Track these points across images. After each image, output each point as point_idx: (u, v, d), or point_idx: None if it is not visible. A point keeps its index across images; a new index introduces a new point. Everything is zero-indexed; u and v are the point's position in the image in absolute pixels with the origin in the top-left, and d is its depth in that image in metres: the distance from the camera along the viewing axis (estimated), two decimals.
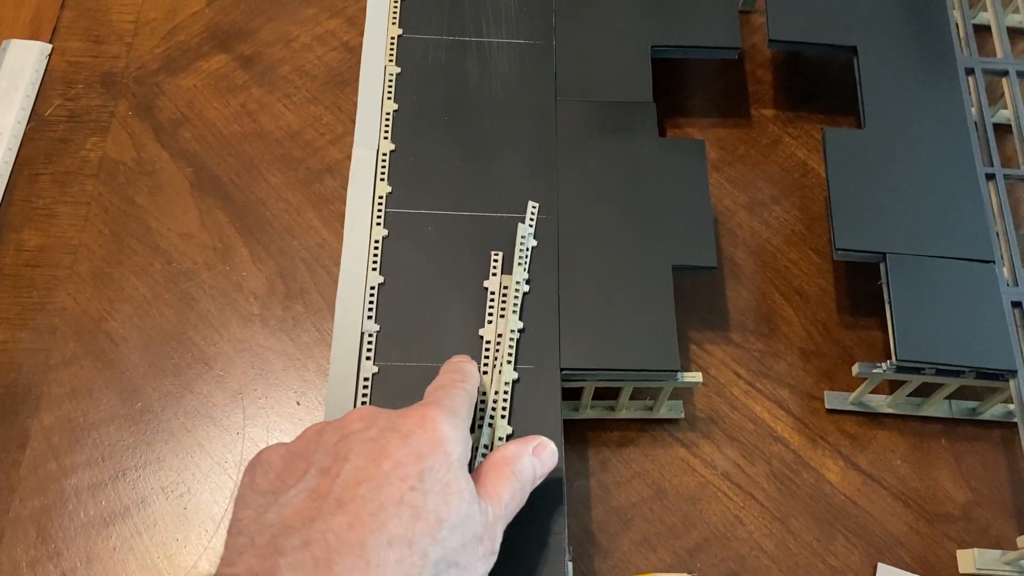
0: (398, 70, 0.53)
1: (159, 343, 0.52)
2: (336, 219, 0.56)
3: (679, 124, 0.60)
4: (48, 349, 0.52)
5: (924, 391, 0.50)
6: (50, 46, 0.61)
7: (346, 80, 0.61)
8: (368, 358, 0.45)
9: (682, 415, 0.51)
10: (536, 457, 0.40)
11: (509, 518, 0.38)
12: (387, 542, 0.32)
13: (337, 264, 0.54)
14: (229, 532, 0.34)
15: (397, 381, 0.45)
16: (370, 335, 0.46)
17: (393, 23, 0.54)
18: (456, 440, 0.36)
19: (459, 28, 0.54)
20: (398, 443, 0.35)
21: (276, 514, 0.33)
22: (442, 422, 0.36)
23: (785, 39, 0.56)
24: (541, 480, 0.40)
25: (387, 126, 0.51)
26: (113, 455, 0.50)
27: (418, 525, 0.33)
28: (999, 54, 0.57)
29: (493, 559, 0.36)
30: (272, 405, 0.51)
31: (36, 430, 0.50)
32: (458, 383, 0.40)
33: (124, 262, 0.55)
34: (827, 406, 0.52)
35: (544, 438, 0.41)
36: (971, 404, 0.52)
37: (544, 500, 0.42)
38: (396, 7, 0.55)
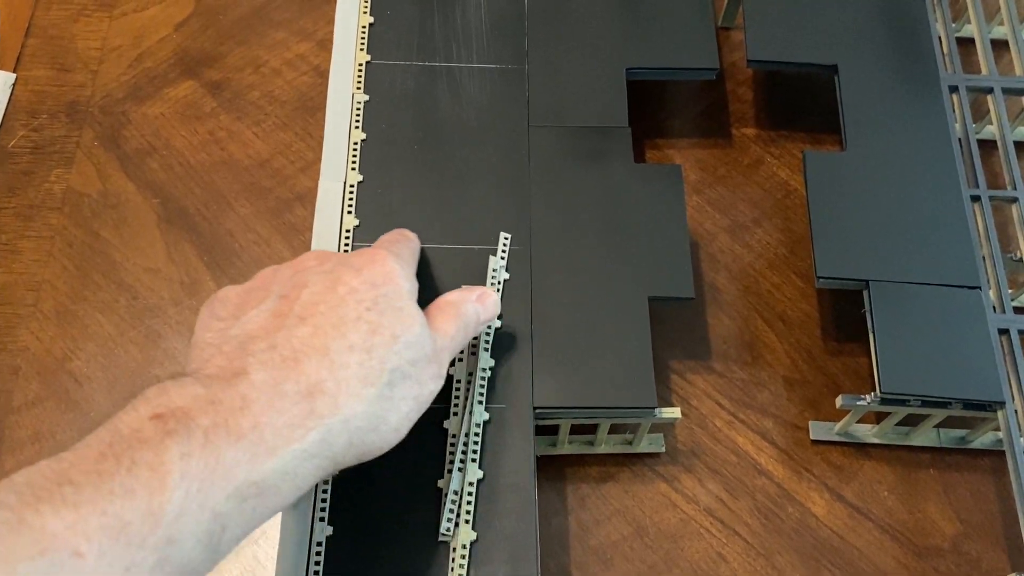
0: (366, 98, 0.51)
1: (124, 383, 0.51)
2: (306, 249, 0.54)
3: (658, 145, 0.59)
4: (10, 391, 0.51)
5: (911, 420, 0.49)
6: (14, 75, 0.60)
7: (317, 105, 0.59)
8: None
9: (663, 449, 0.50)
10: (480, 304, 0.42)
11: (454, 352, 0.40)
12: (348, 347, 0.35)
13: None
14: (193, 350, 0.36)
15: None
16: None
17: (361, 49, 0.53)
18: (405, 276, 0.39)
19: (429, 53, 0.53)
20: (352, 274, 0.37)
21: (240, 329, 0.35)
22: (391, 260, 0.38)
23: (764, 59, 0.54)
24: (484, 326, 0.43)
25: (355, 157, 0.50)
26: None
27: (375, 338, 0.36)
28: (983, 69, 0.56)
29: (441, 382, 0.38)
30: None
31: None
32: (401, 239, 0.43)
33: (89, 298, 0.53)
34: (812, 437, 0.51)
35: (487, 288, 0.43)
36: (960, 432, 0.51)
37: (516, 543, 0.41)
38: (364, 32, 0.53)
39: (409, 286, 0.39)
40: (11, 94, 0.59)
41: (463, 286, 0.44)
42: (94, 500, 0.28)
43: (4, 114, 0.59)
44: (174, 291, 0.54)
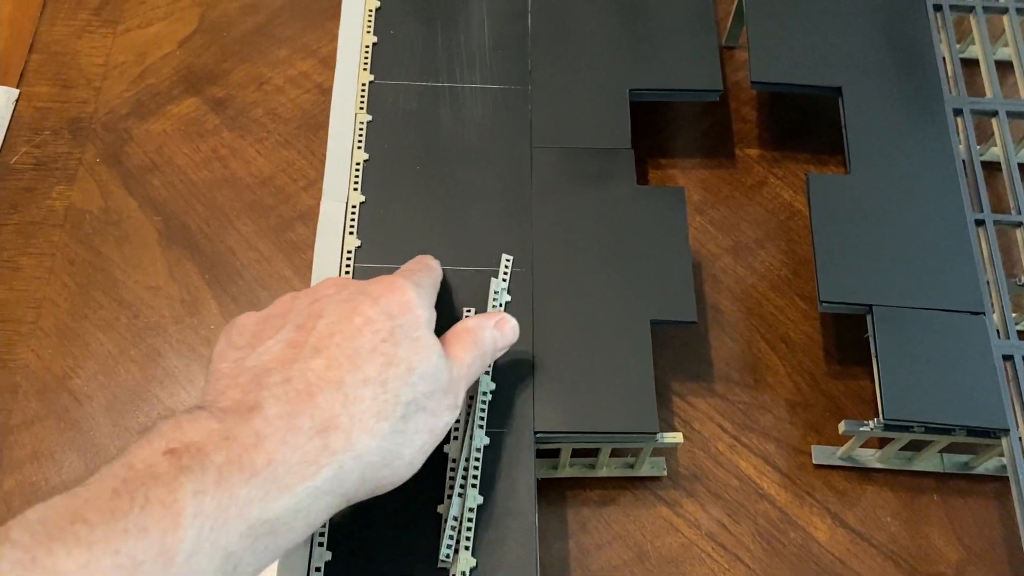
0: (369, 118, 0.51)
1: (124, 402, 0.51)
2: (308, 268, 0.54)
3: (661, 166, 0.59)
4: (9, 409, 0.50)
5: (915, 445, 0.49)
6: (17, 91, 0.60)
7: (320, 123, 0.59)
8: None
9: (665, 472, 0.50)
10: (498, 330, 0.41)
11: (471, 380, 0.40)
12: (362, 381, 0.35)
13: None
14: (209, 380, 0.36)
15: None
16: None
17: (364, 69, 0.53)
18: (423, 305, 0.38)
19: (432, 73, 0.53)
20: (369, 304, 0.37)
21: (256, 360, 0.35)
22: (410, 289, 0.38)
23: (767, 80, 0.54)
24: (502, 352, 0.42)
25: (357, 177, 0.50)
26: None
27: (390, 371, 0.35)
28: (988, 91, 0.56)
29: (456, 412, 0.38)
30: None
31: None
32: (423, 267, 0.44)
33: (89, 316, 0.53)
34: (815, 461, 0.50)
35: (506, 314, 0.43)
36: (964, 458, 0.50)
37: (517, 570, 0.40)
38: (367, 52, 0.53)
39: (427, 315, 0.38)
40: (14, 110, 0.59)
41: (482, 313, 0.44)
42: (107, 539, 0.28)
43: (7, 130, 0.59)
44: (175, 309, 0.53)
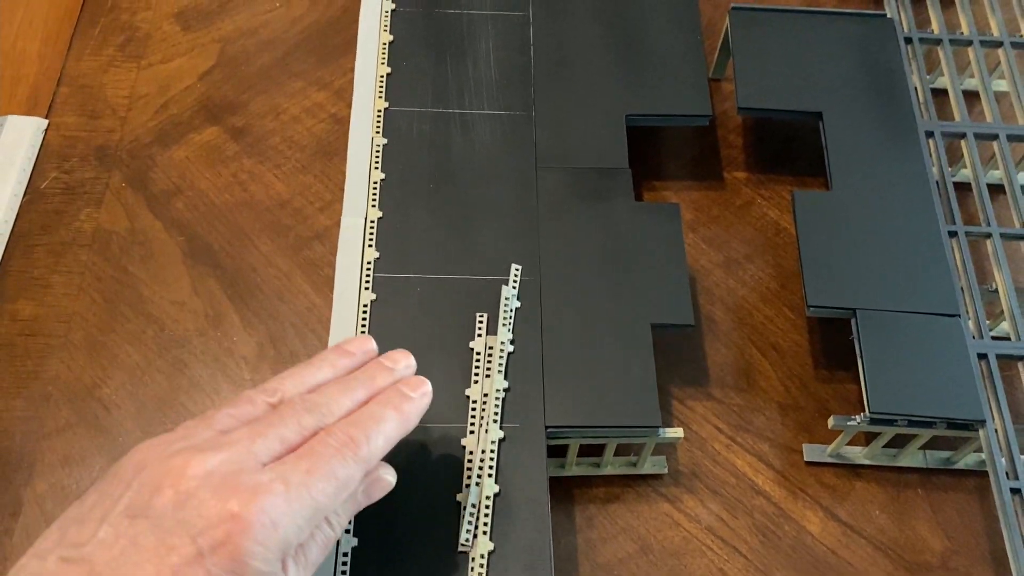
0: (385, 141, 0.55)
1: (152, 409, 0.53)
2: (325, 284, 0.58)
3: (655, 187, 0.63)
4: (42, 417, 0.53)
5: (899, 442, 0.52)
6: (46, 121, 0.63)
7: (334, 150, 0.63)
8: None
9: (665, 470, 0.52)
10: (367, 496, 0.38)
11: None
12: None
13: (326, 328, 0.56)
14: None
15: None
16: None
17: (379, 96, 0.57)
18: (275, 545, 0.31)
19: (443, 100, 0.57)
20: (185, 552, 0.30)
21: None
22: (255, 530, 0.30)
23: (753, 107, 0.58)
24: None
25: (375, 194, 0.53)
26: None
27: None
28: (956, 116, 0.60)
29: None
30: None
31: (29, 498, 0.51)
32: (390, 411, 0.37)
33: (117, 330, 0.56)
34: (806, 458, 0.53)
35: (385, 469, 0.39)
36: (945, 454, 0.53)
37: (532, 553, 0.43)
38: (382, 81, 0.57)
39: (275, 558, 0.32)
40: (43, 139, 0.63)
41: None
42: None
43: (37, 157, 0.62)
44: (199, 323, 0.56)
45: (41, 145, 0.62)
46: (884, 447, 0.52)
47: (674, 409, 0.55)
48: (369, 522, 0.43)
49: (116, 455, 0.52)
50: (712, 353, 0.57)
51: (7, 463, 0.51)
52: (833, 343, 0.57)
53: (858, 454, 0.53)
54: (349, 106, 0.61)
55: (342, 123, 0.64)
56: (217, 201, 0.61)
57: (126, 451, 0.52)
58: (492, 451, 0.45)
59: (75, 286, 0.57)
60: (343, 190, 0.54)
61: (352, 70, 0.59)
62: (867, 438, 0.53)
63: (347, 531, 0.43)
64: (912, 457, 0.53)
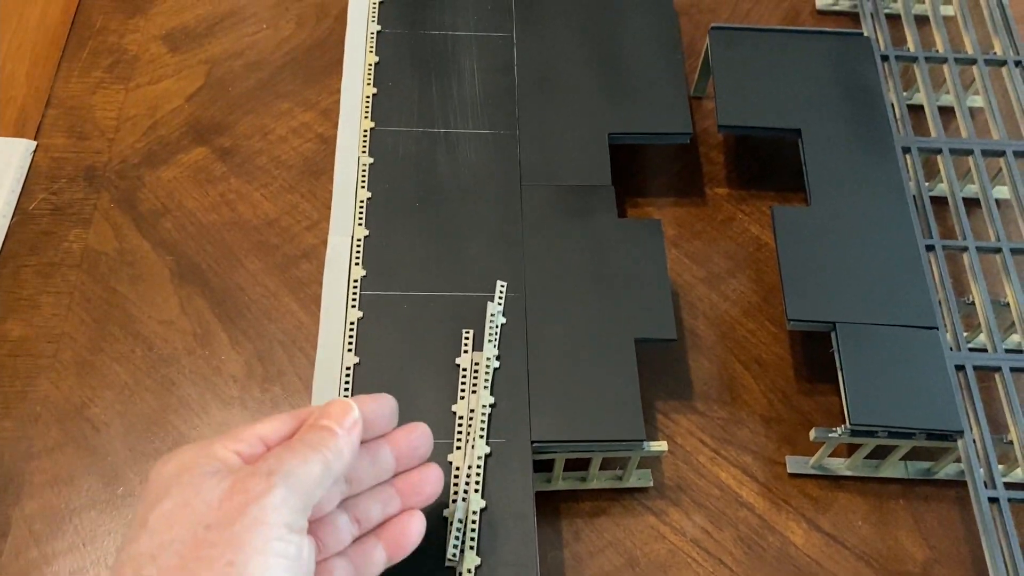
0: (371, 160, 0.56)
1: (141, 428, 0.54)
2: (312, 302, 0.58)
3: (638, 204, 0.64)
4: (31, 437, 0.53)
5: (880, 453, 0.53)
6: (35, 143, 0.64)
7: (321, 169, 0.64)
8: None
9: (651, 483, 0.53)
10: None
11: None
12: None
13: (314, 346, 0.56)
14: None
15: None
16: None
17: (366, 116, 0.57)
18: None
19: (428, 120, 0.58)
20: None
21: None
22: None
23: (733, 124, 0.59)
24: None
25: (361, 213, 0.54)
26: (94, 540, 0.50)
27: None
28: (932, 132, 0.61)
29: None
30: None
31: (18, 518, 0.51)
32: (312, 451, 0.36)
33: (106, 349, 0.56)
34: (789, 470, 0.54)
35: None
36: (925, 464, 0.54)
37: (519, 567, 0.43)
38: (368, 101, 0.58)
39: None
40: (32, 160, 0.63)
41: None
42: None
43: (25, 178, 0.62)
44: (187, 342, 0.57)
45: (30, 166, 0.63)
46: (866, 458, 0.53)
47: (659, 423, 0.55)
48: None
49: (105, 474, 0.52)
50: (696, 367, 0.58)
51: None
52: (815, 356, 0.58)
53: (840, 466, 0.54)
54: (335, 126, 0.62)
55: (328, 143, 0.65)
56: (205, 221, 0.61)
57: (115, 470, 0.52)
58: (479, 466, 0.46)
59: (64, 306, 0.58)
60: (330, 209, 0.55)
61: (338, 91, 0.60)
62: (849, 450, 0.54)
63: None
64: (893, 468, 0.54)
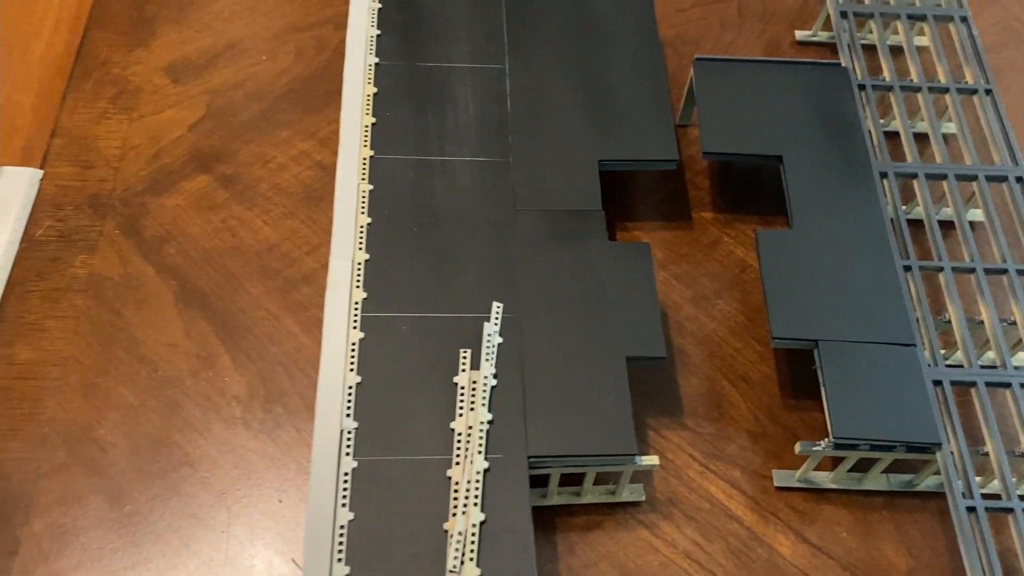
0: (371, 187, 0.58)
1: (146, 448, 0.55)
2: (313, 324, 0.60)
3: (627, 228, 0.66)
4: (38, 458, 0.54)
5: (863, 466, 0.55)
6: (41, 172, 0.66)
7: (320, 196, 0.66)
8: (347, 454, 0.48)
9: (643, 498, 0.55)
10: None
11: None
12: None
13: (314, 367, 0.58)
14: None
15: (376, 474, 0.48)
16: (349, 432, 0.49)
17: (365, 145, 0.59)
18: None
19: (425, 149, 0.60)
20: None
21: None
22: None
23: (717, 151, 0.62)
24: None
25: (361, 238, 0.56)
26: (102, 558, 0.52)
27: None
28: (909, 158, 0.64)
29: None
30: (255, 504, 0.54)
31: (26, 537, 0.52)
32: None
33: (112, 372, 0.58)
34: (776, 484, 0.56)
35: None
36: (907, 477, 0.56)
37: None
38: (367, 131, 0.60)
39: None
40: (39, 188, 0.65)
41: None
42: None
43: (32, 206, 0.64)
44: (191, 364, 0.58)
45: (36, 194, 0.65)
46: (849, 471, 0.55)
47: (650, 439, 0.57)
48: (362, 550, 0.45)
49: (111, 494, 0.54)
50: (684, 385, 0.60)
51: (4, 503, 0.53)
52: (799, 373, 0.60)
53: (825, 479, 0.56)
54: (334, 154, 0.64)
55: (327, 170, 0.67)
56: (208, 246, 0.63)
57: (121, 489, 0.54)
58: (478, 481, 0.47)
59: (70, 330, 0.59)
60: (329, 234, 0.57)
61: (335, 120, 0.62)
62: (833, 463, 0.56)
63: (339, 560, 0.45)
64: (876, 480, 0.56)
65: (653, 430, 0.58)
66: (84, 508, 0.53)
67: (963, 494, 0.51)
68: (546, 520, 0.54)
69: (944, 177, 0.63)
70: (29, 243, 0.63)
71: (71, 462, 0.55)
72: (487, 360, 0.51)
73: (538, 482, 0.52)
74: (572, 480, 0.53)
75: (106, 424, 0.56)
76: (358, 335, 0.52)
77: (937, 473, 0.54)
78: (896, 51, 0.70)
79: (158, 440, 0.55)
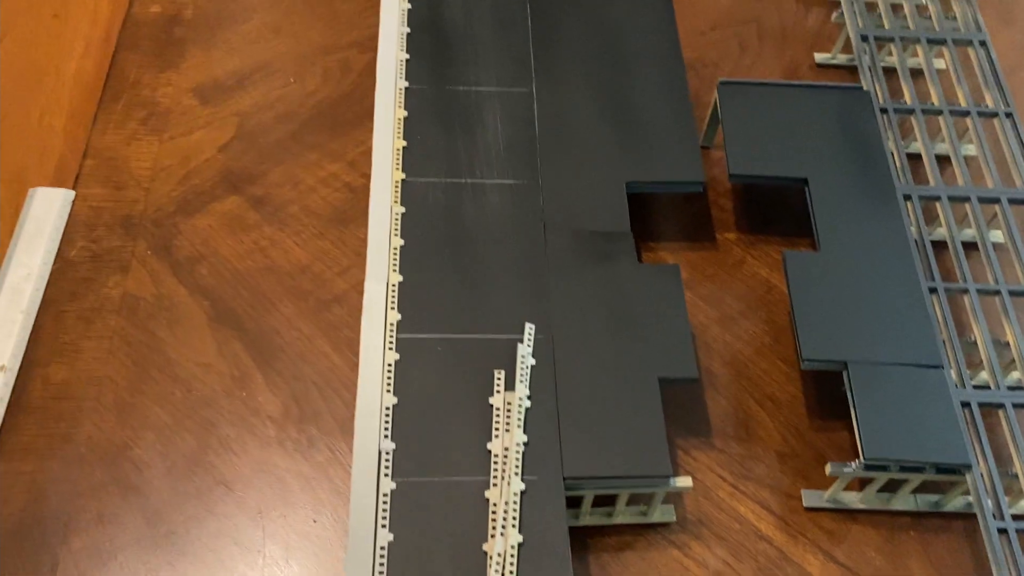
0: (403, 210, 0.59)
1: (181, 468, 0.56)
2: (345, 345, 0.61)
3: (652, 248, 0.67)
4: (75, 478, 0.55)
5: (891, 487, 0.55)
6: (73, 192, 0.66)
7: (349, 217, 0.66)
8: (386, 475, 0.49)
9: (674, 518, 0.55)
10: None
11: None
12: None
13: (347, 387, 0.58)
14: None
15: (415, 496, 0.48)
16: (387, 453, 0.50)
17: (397, 168, 0.60)
18: None
19: (455, 171, 0.61)
20: None
21: None
22: None
23: (743, 173, 0.63)
24: None
25: (395, 260, 0.56)
26: None
27: None
28: (931, 181, 0.65)
29: None
30: (290, 524, 0.54)
31: (65, 555, 0.52)
32: None
33: (146, 392, 0.58)
34: (805, 504, 0.57)
35: None
36: (935, 497, 0.57)
37: None
38: (399, 155, 0.61)
39: None
40: (71, 209, 0.66)
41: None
42: None
43: (65, 227, 0.65)
44: (225, 384, 0.59)
45: (69, 215, 0.65)
46: (878, 492, 0.56)
47: (679, 459, 0.58)
48: (402, 571, 0.46)
49: (148, 513, 0.54)
50: (712, 405, 0.60)
51: (43, 522, 0.53)
52: (825, 394, 0.61)
53: (854, 499, 0.56)
54: (362, 176, 0.65)
55: (356, 192, 0.67)
56: (239, 267, 0.64)
57: (158, 509, 0.54)
58: (515, 503, 0.48)
59: (105, 350, 0.60)
60: (359, 255, 0.58)
61: (363, 142, 0.63)
62: (861, 483, 0.57)
63: None
64: (904, 501, 0.56)
65: (682, 450, 0.58)
66: (121, 527, 0.54)
67: (994, 515, 0.51)
68: (578, 540, 0.54)
69: (967, 200, 0.63)
70: (63, 263, 0.63)
71: (108, 481, 0.55)
72: (521, 382, 0.52)
73: (571, 503, 0.53)
74: (604, 501, 0.54)
75: (141, 444, 0.57)
76: (393, 356, 0.53)
77: (965, 494, 0.55)
78: (916, 73, 0.71)
79: (193, 460, 0.56)
